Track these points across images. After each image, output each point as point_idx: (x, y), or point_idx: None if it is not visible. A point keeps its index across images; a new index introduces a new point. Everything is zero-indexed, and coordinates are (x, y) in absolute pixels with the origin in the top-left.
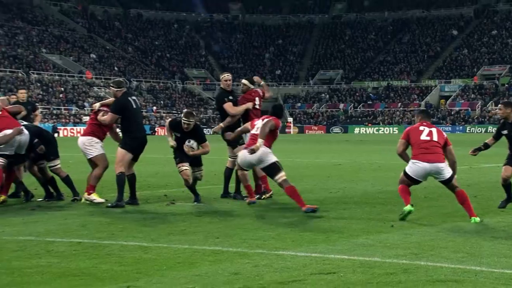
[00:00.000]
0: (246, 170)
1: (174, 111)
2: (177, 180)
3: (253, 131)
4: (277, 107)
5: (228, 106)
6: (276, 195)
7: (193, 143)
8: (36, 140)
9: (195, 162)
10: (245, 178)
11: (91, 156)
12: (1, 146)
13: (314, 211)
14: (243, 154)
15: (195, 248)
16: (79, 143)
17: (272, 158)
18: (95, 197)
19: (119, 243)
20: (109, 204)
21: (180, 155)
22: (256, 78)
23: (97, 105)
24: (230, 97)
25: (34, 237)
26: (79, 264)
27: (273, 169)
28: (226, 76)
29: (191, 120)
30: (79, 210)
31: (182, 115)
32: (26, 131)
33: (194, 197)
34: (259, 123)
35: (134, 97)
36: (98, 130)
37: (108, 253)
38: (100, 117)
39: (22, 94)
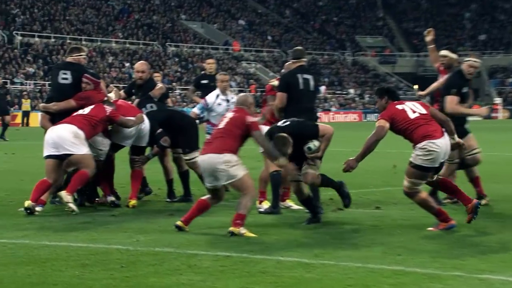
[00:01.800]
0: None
1: (340, 91)
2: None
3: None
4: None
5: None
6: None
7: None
8: (159, 130)
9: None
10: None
11: None
12: (120, 137)
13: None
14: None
15: (370, 267)
16: None
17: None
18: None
19: (274, 259)
20: (262, 210)
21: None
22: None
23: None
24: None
25: (174, 248)
26: (227, 284)
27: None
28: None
29: None
30: (224, 217)
31: None
32: (147, 120)
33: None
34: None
35: (307, 75)
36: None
37: (261, 271)
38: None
39: (210, 65)
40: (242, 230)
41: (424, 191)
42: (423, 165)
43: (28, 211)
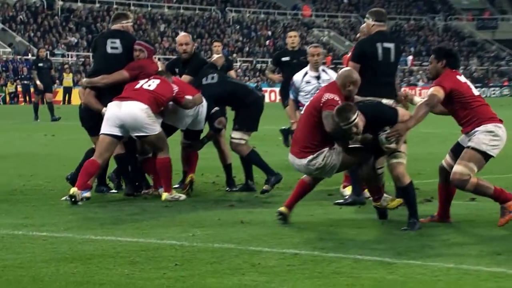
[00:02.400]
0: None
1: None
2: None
3: None
4: None
5: None
6: None
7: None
8: (215, 109)
9: None
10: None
11: None
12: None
13: None
14: None
15: (463, 268)
16: None
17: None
18: None
19: (350, 257)
20: (341, 200)
21: None
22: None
23: None
24: None
25: (235, 244)
26: (296, 286)
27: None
28: None
29: None
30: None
31: None
32: (205, 101)
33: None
34: None
35: (388, 44)
36: None
37: (335, 271)
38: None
39: (292, 38)
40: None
41: (474, 176)
42: (488, 152)
43: (73, 200)
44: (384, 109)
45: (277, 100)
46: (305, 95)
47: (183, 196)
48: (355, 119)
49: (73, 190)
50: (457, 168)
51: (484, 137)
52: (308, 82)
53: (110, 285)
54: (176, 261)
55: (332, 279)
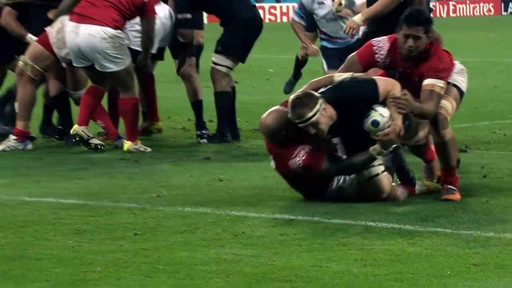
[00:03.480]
0: None
1: None
2: None
3: None
4: None
5: None
6: None
7: None
8: (182, 15)
9: None
10: None
11: None
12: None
13: None
14: None
15: (507, 238)
16: None
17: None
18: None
19: (361, 224)
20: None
21: None
22: None
23: None
24: None
25: (211, 208)
26: (290, 260)
27: None
28: None
29: None
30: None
31: None
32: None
33: None
34: None
35: None
36: None
37: (341, 242)
38: None
39: None
40: None
41: None
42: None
43: (77, 139)
44: (357, 87)
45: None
46: (321, 19)
47: (148, 149)
48: (312, 116)
49: (75, 127)
50: (447, 104)
51: (461, 76)
52: (321, 4)
53: (49, 260)
54: (136, 229)
55: (337, 252)
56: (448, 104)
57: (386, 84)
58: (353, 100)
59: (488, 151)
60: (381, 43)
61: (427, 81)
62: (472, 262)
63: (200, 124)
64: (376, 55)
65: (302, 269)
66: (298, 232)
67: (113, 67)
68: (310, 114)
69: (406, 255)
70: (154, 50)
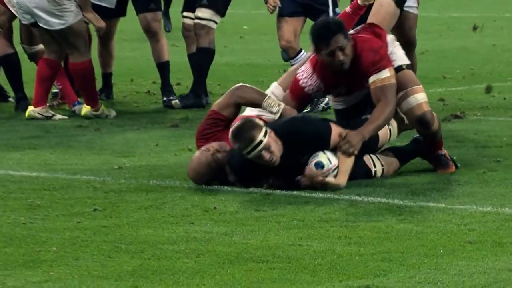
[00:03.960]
0: None
1: None
2: None
3: None
4: None
5: None
6: None
7: None
8: None
9: None
10: None
11: None
12: None
13: None
14: None
15: (505, 213)
16: None
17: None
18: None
19: (345, 198)
20: None
21: None
22: None
23: None
24: None
25: (180, 181)
26: (267, 239)
27: None
28: None
29: None
30: None
31: None
32: None
33: None
34: None
35: None
36: None
37: (323, 219)
38: None
39: None
40: None
41: None
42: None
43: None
44: (309, 124)
45: None
46: None
47: (113, 113)
48: (264, 136)
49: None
50: (421, 96)
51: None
52: None
53: None
54: (95, 205)
55: (318, 230)
56: (421, 95)
57: (339, 132)
58: (302, 134)
59: (485, 117)
60: (305, 73)
61: (371, 79)
62: (467, 239)
63: (166, 88)
64: (306, 88)
65: (280, 249)
66: (275, 207)
67: (56, 22)
68: (261, 134)
69: (395, 232)
70: (112, 5)
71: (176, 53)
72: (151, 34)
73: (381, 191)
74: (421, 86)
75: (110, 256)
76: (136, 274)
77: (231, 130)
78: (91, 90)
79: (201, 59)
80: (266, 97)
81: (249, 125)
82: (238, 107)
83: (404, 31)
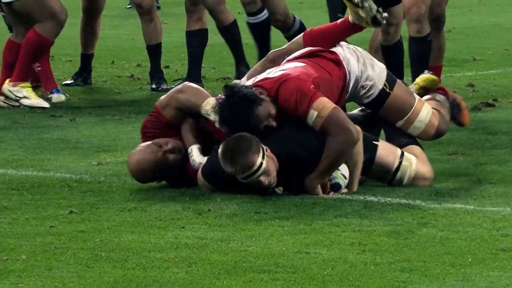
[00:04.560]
0: None
1: None
2: None
3: None
4: None
5: None
6: None
7: None
8: None
9: None
10: None
11: None
12: None
13: None
14: None
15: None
16: None
17: None
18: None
19: (359, 199)
20: None
21: None
22: None
23: None
24: None
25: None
26: (269, 245)
27: None
28: None
29: None
30: None
31: None
32: None
33: None
34: None
35: None
36: None
37: (333, 223)
38: None
39: None
40: None
41: None
42: None
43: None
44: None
45: None
46: None
47: (44, 104)
48: (262, 160)
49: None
50: (428, 110)
51: None
52: None
53: None
54: (71, 206)
55: (328, 235)
56: (424, 112)
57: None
58: (296, 158)
59: None
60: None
61: (308, 123)
62: (499, 246)
63: (157, 74)
64: None
65: (283, 257)
66: (278, 209)
67: None
68: (259, 157)
69: (416, 238)
70: None
71: (163, 31)
72: (144, 10)
73: (400, 190)
74: (417, 99)
75: (88, 265)
76: (118, 286)
77: (220, 149)
78: (23, 63)
79: (236, 33)
80: (204, 102)
81: (245, 146)
82: (180, 111)
83: (432, 6)
